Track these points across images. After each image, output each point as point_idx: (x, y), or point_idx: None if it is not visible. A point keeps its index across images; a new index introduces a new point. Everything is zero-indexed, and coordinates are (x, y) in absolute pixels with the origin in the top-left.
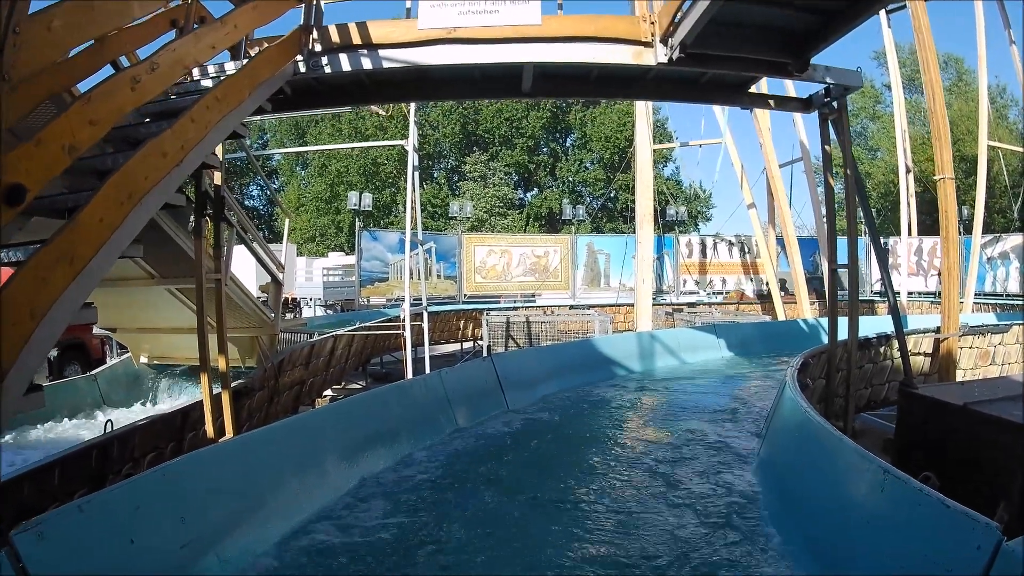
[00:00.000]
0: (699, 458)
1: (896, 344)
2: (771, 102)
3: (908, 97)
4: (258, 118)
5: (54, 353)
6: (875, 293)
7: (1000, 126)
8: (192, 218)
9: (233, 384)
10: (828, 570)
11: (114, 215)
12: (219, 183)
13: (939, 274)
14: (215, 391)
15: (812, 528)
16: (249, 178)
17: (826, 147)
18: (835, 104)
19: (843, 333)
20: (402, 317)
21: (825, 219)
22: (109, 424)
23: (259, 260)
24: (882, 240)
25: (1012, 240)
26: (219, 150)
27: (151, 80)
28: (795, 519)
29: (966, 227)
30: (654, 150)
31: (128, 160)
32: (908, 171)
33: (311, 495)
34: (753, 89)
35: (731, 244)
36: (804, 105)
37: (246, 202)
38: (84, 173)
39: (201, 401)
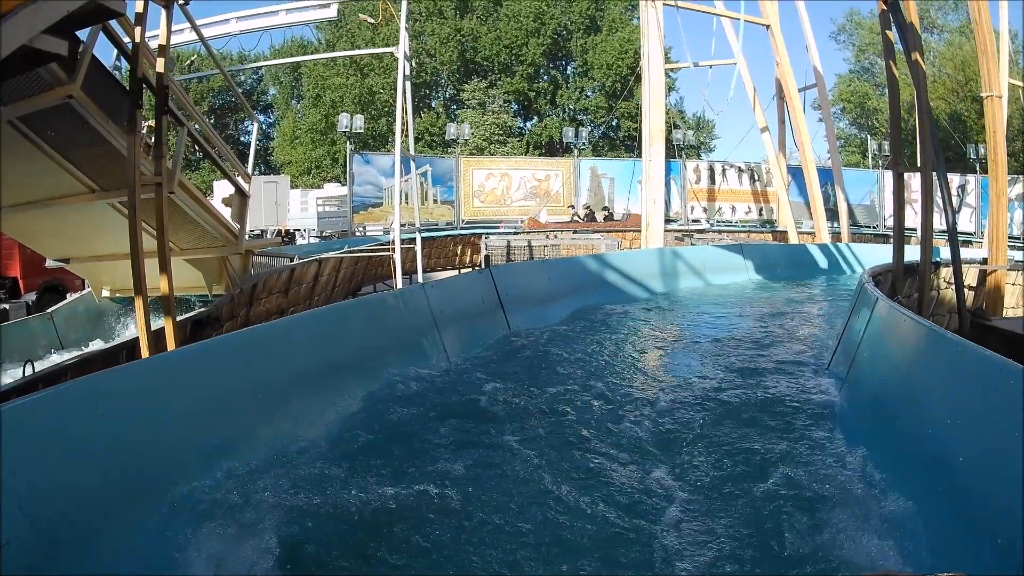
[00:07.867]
0: (760, 407)
1: (943, 273)
2: None
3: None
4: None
5: (32, 296)
6: (888, 228)
7: (1013, 71)
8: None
9: (195, 313)
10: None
11: None
12: (162, 69)
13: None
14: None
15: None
16: (245, 114)
17: (887, 32)
18: None
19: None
20: (392, 239)
21: (889, 120)
22: (29, 365)
23: (217, 166)
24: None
25: None
26: (162, 33)
27: None
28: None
29: (982, 167)
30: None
31: None
32: None
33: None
34: None
35: (740, 171)
36: None
37: (241, 139)
38: None
39: (156, 333)
